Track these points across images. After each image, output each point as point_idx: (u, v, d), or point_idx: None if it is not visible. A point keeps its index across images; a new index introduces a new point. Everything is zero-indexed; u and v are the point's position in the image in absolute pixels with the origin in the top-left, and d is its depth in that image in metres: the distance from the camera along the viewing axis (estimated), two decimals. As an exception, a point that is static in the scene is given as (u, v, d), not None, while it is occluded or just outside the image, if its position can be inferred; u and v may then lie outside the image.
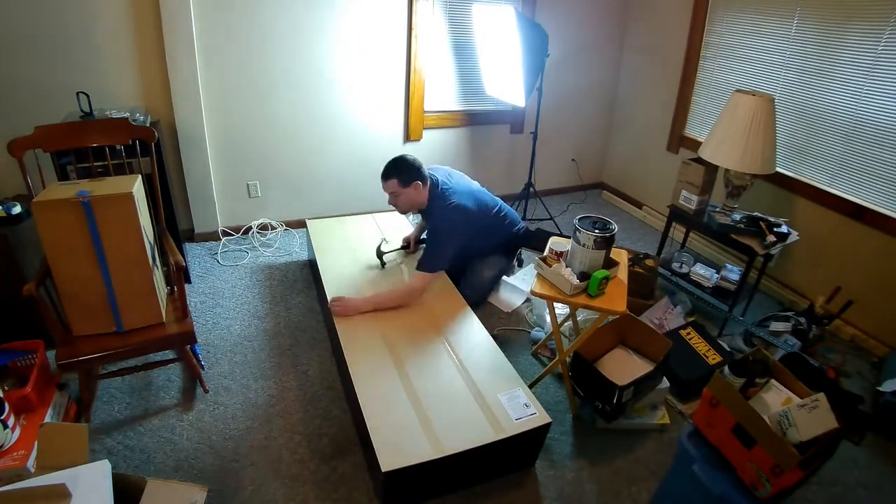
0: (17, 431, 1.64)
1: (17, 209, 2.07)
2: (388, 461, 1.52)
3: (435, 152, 3.57)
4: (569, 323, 2.33)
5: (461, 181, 2.53)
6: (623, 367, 2.06)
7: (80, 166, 2.14)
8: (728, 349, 2.33)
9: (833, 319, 2.42)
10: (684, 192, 2.69)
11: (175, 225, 2.59)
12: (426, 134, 3.48)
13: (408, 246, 2.70)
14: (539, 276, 1.96)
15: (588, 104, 3.93)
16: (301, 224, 3.26)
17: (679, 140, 3.48)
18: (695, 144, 3.18)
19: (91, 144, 1.92)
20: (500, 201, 2.65)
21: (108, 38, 2.53)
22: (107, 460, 1.32)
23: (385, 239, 2.66)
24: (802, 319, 2.42)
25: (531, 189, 3.53)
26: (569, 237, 2.00)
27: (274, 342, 2.37)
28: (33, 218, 1.60)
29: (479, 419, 1.71)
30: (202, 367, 2.15)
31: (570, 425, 2.04)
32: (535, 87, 3.15)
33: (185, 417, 1.95)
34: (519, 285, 2.86)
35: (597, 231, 1.83)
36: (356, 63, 3.08)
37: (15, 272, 1.99)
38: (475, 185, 2.61)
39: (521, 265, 2.93)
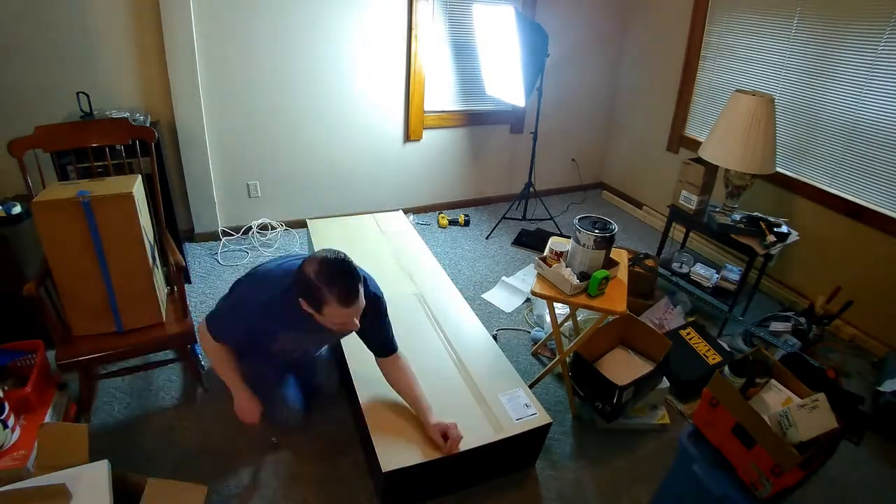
0: (17, 431, 1.64)
1: (17, 209, 2.06)
2: (388, 461, 1.52)
3: (435, 152, 3.58)
4: (569, 323, 2.33)
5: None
6: (623, 367, 2.06)
7: (80, 166, 2.14)
8: (728, 349, 2.33)
9: (833, 319, 2.42)
10: (684, 192, 2.69)
11: (175, 225, 2.59)
12: (426, 134, 3.48)
13: None
14: (539, 276, 1.96)
15: (588, 104, 3.93)
16: (301, 224, 3.25)
17: (679, 140, 3.48)
18: (695, 144, 3.18)
19: (91, 144, 1.92)
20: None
21: (108, 38, 2.52)
22: (107, 460, 1.32)
23: None
24: (802, 319, 2.42)
25: (531, 189, 3.53)
26: (569, 237, 2.00)
27: (274, 342, 2.36)
28: (33, 218, 1.60)
29: (479, 419, 1.70)
30: (202, 367, 2.15)
31: (570, 425, 2.04)
32: (535, 87, 3.15)
33: (185, 417, 1.95)
34: (519, 285, 2.86)
35: (597, 231, 1.83)
36: (356, 63, 3.08)
37: (15, 272, 1.98)
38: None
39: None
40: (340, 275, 1.36)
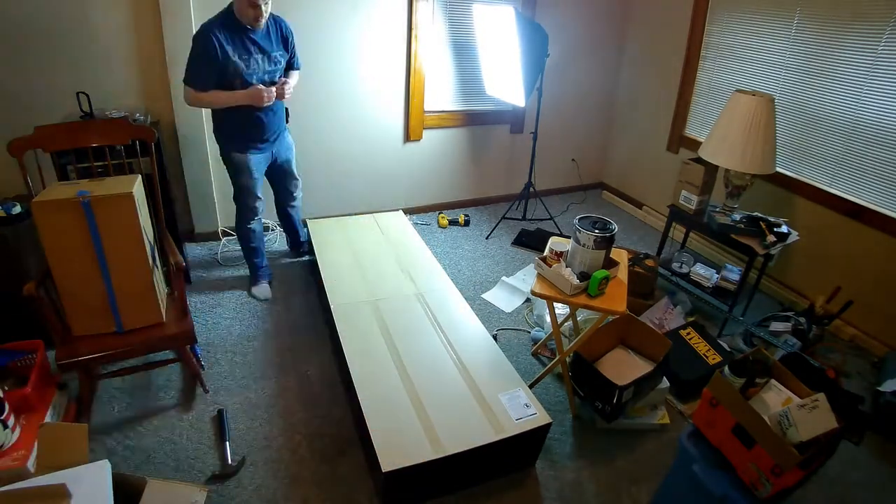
0: (17, 431, 1.64)
1: (17, 209, 2.07)
2: (388, 461, 1.52)
3: (435, 152, 3.57)
4: (569, 323, 2.33)
5: None
6: (623, 367, 2.06)
7: (80, 166, 2.14)
8: (728, 349, 2.33)
9: (833, 319, 2.42)
10: (684, 192, 2.69)
11: (175, 225, 2.59)
12: (426, 134, 3.48)
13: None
14: (539, 276, 1.96)
15: (588, 104, 3.93)
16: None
17: (679, 140, 3.48)
18: (695, 144, 3.18)
19: (91, 144, 1.92)
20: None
21: (108, 38, 2.53)
22: (107, 460, 1.32)
23: None
24: (802, 319, 2.42)
25: (531, 189, 3.53)
26: (569, 237, 2.00)
27: (274, 342, 2.37)
28: (33, 218, 1.60)
29: (479, 419, 1.71)
30: (202, 367, 2.15)
31: (570, 425, 2.04)
32: (535, 87, 3.15)
33: (185, 417, 1.95)
34: (519, 285, 2.86)
35: (597, 231, 1.83)
36: (356, 63, 3.08)
37: (15, 272, 1.99)
38: None
39: None
40: None
